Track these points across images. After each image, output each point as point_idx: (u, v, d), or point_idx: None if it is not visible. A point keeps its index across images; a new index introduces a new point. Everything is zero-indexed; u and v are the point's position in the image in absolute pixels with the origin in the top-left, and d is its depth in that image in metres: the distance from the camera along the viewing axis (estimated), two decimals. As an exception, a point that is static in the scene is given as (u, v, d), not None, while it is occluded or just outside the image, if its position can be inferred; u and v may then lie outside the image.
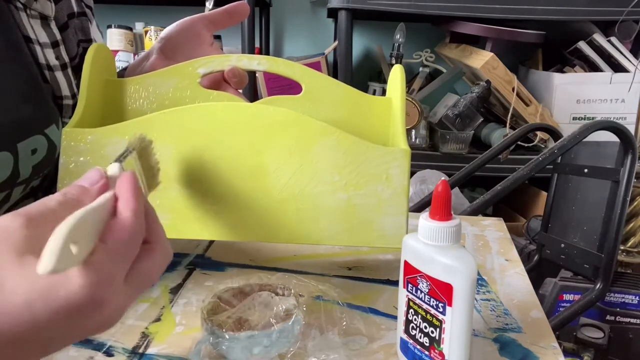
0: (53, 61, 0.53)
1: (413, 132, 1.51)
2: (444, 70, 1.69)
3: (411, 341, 0.38)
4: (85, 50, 0.61)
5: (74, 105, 0.56)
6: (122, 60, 1.65)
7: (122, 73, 0.62)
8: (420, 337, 0.37)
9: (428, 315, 0.36)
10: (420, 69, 1.70)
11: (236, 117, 0.48)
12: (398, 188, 0.48)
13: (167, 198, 0.47)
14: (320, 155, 0.48)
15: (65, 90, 0.55)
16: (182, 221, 0.47)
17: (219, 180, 0.47)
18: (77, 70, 0.60)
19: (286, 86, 1.55)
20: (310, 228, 0.48)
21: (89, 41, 0.62)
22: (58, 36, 0.55)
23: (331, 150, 0.48)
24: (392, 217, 0.48)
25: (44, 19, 0.54)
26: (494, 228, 0.74)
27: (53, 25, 0.55)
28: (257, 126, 0.47)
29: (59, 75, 0.54)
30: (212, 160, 0.47)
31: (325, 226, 0.48)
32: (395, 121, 0.55)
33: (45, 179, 0.58)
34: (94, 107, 0.52)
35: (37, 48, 0.52)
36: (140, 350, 0.41)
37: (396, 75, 0.57)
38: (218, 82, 0.59)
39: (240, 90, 0.60)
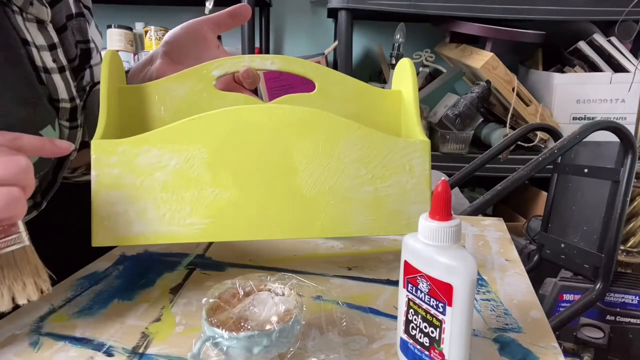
0: (50, 64, 0.53)
1: (413, 132, 1.50)
2: (444, 70, 1.69)
3: (411, 341, 0.38)
4: (83, 51, 0.61)
5: (72, 109, 0.56)
6: (122, 60, 1.65)
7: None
8: (420, 337, 0.37)
9: (428, 315, 0.36)
10: (420, 69, 1.70)
11: (264, 118, 0.48)
12: (420, 177, 0.51)
13: (204, 203, 0.47)
14: (346, 150, 0.49)
15: (62, 94, 0.54)
16: (220, 225, 0.48)
17: (251, 181, 0.48)
18: (76, 72, 0.60)
19: (286, 86, 1.55)
20: (341, 221, 0.50)
21: (87, 42, 0.62)
22: (55, 39, 0.55)
23: (356, 146, 0.50)
24: (416, 206, 0.51)
25: (40, 23, 0.53)
26: (494, 228, 0.74)
27: (50, 28, 0.54)
28: (285, 126, 0.49)
29: (56, 77, 0.54)
30: (243, 163, 0.48)
31: (356, 219, 0.50)
32: (410, 113, 0.56)
33: (43, 180, 0.57)
34: (113, 117, 0.52)
35: (34, 50, 0.51)
36: (140, 350, 0.41)
37: (405, 68, 0.58)
38: (229, 84, 0.59)
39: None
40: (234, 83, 0.59)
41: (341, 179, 0.49)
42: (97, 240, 0.46)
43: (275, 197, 0.48)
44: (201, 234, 0.47)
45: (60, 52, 0.55)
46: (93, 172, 0.46)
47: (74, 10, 0.60)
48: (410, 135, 0.57)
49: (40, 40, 0.52)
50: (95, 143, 0.46)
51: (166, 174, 0.47)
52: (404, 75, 0.58)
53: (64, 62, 0.55)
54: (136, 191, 0.46)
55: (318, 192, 0.49)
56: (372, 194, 0.50)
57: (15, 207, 0.37)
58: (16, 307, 0.39)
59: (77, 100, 0.57)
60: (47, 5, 0.54)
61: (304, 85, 0.59)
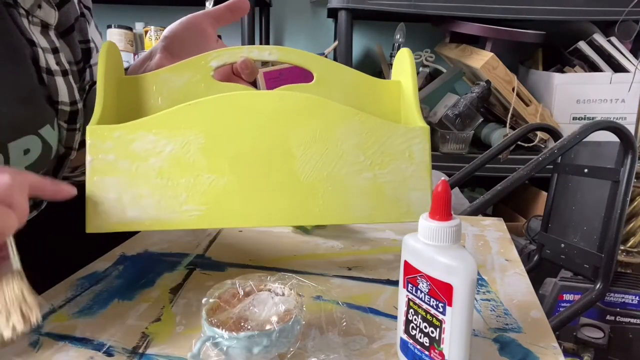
0: (54, 66, 0.53)
1: (413, 132, 1.51)
2: (444, 70, 1.69)
3: (411, 341, 0.38)
4: (83, 51, 0.61)
5: (72, 112, 0.56)
6: (122, 60, 1.65)
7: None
8: (420, 337, 0.37)
9: (428, 315, 0.36)
10: (420, 69, 1.71)
11: (261, 104, 0.48)
12: (420, 164, 0.51)
13: (200, 189, 0.47)
14: (344, 137, 0.49)
15: (63, 97, 0.54)
16: (216, 211, 0.47)
17: (248, 167, 0.48)
18: (81, 73, 0.60)
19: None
20: (340, 208, 0.49)
21: (87, 42, 0.62)
22: (57, 43, 0.55)
23: (354, 132, 0.49)
24: (416, 193, 0.51)
25: (44, 27, 0.53)
26: (494, 228, 0.74)
27: (52, 33, 0.55)
28: (282, 112, 0.48)
29: (59, 80, 0.54)
30: (240, 149, 0.48)
31: (355, 206, 0.50)
32: (409, 101, 0.56)
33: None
34: (110, 106, 0.52)
35: (40, 51, 0.52)
36: (140, 350, 0.41)
37: (404, 58, 0.58)
38: (228, 76, 0.59)
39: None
40: (232, 75, 0.59)
41: (339, 166, 0.49)
42: (91, 227, 0.46)
43: (272, 184, 0.48)
44: (197, 220, 0.47)
45: (62, 56, 0.55)
46: (88, 158, 0.46)
47: (78, 11, 0.60)
48: (410, 124, 0.57)
49: (44, 43, 0.53)
50: (91, 129, 0.46)
51: (161, 159, 0.46)
52: (403, 66, 0.58)
53: (67, 66, 0.56)
54: (131, 177, 0.46)
55: (316, 178, 0.49)
56: (370, 180, 0.50)
57: None
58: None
59: (79, 105, 0.57)
60: (55, 7, 0.54)
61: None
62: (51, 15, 0.54)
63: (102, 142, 0.46)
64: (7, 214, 0.36)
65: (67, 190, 0.43)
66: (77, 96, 0.57)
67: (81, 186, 0.46)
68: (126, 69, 0.62)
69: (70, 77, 0.56)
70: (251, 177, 0.48)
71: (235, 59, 0.56)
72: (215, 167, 0.47)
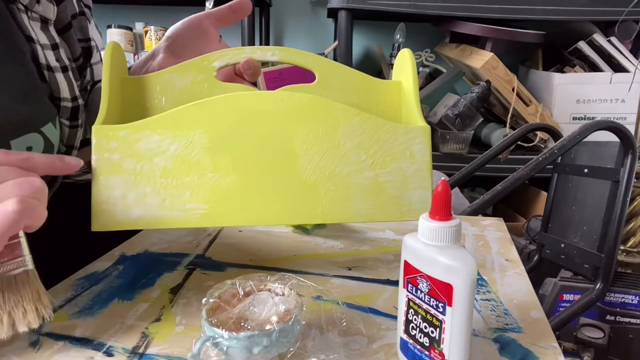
0: (53, 62, 0.53)
1: (413, 132, 1.51)
2: (444, 70, 1.70)
3: (411, 341, 0.38)
4: (84, 49, 0.61)
5: (74, 108, 0.56)
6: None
7: None
8: (420, 337, 0.37)
9: (428, 315, 0.36)
10: (420, 69, 1.71)
11: (263, 105, 0.49)
12: (422, 164, 0.52)
13: (204, 188, 0.47)
14: (346, 137, 0.50)
15: (64, 93, 0.54)
16: (220, 210, 0.48)
17: (251, 166, 0.48)
18: (80, 71, 0.60)
19: (287, 86, 1.55)
20: (341, 207, 0.50)
21: (88, 40, 0.62)
22: (57, 39, 0.55)
23: (356, 132, 0.50)
24: (418, 192, 0.51)
25: (44, 22, 0.54)
26: (494, 228, 0.74)
27: (52, 29, 0.55)
28: (284, 112, 0.49)
29: (59, 76, 0.54)
30: (243, 148, 0.48)
31: (356, 205, 0.50)
32: (409, 102, 0.57)
33: (44, 178, 0.57)
34: (115, 106, 0.52)
35: (38, 48, 0.52)
36: (140, 350, 0.41)
37: (405, 59, 0.58)
38: (230, 76, 0.59)
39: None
40: (235, 75, 0.59)
41: (341, 165, 0.50)
42: (96, 225, 0.46)
43: (275, 183, 0.49)
44: (201, 219, 0.47)
45: (62, 52, 0.55)
46: (93, 157, 0.46)
47: (77, 9, 0.60)
48: (410, 123, 0.57)
49: (43, 39, 0.53)
50: (96, 128, 0.46)
51: (166, 159, 0.47)
52: (404, 66, 0.59)
53: (67, 62, 0.56)
54: (136, 176, 0.46)
55: (318, 178, 0.49)
56: (372, 180, 0.50)
57: (33, 216, 0.38)
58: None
59: (80, 101, 0.57)
60: (54, 3, 0.54)
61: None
62: (50, 10, 0.54)
63: (107, 141, 0.46)
64: (42, 209, 0.39)
65: (74, 164, 0.44)
66: (77, 92, 0.57)
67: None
68: (128, 69, 0.62)
69: (70, 73, 0.56)
70: (254, 175, 0.48)
71: (238, 59, 0.56)
72: (219, 166, 0.48)
